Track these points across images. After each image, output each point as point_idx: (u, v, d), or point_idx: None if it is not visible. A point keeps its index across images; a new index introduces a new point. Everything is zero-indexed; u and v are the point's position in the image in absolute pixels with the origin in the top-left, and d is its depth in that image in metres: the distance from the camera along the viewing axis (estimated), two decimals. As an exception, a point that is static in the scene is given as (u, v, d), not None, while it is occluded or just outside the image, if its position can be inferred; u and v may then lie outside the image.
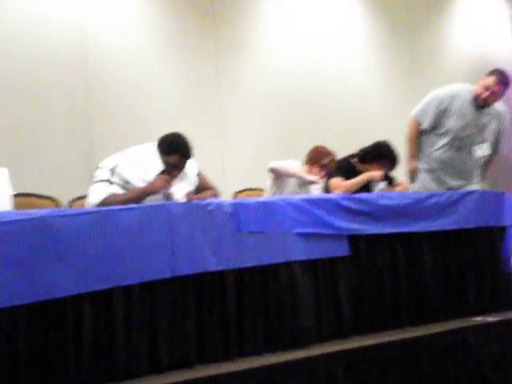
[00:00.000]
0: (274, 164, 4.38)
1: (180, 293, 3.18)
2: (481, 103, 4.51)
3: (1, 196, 3.03)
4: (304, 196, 4.05)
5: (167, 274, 3.14)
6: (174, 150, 3.40)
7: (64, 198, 4.02)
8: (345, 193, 4.07)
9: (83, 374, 2.88)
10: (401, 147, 4.38)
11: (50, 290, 2.80)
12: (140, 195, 3.32)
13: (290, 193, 4.40)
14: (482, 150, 4.56)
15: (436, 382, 3.65)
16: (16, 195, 3.40)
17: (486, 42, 7.75)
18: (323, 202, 3.75)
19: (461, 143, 4.52)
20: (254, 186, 4.85)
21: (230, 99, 5.94)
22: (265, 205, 3.57)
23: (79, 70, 5.15)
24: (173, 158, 3.40)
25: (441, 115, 4.52)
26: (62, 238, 2.87)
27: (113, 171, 3.37)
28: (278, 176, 4.45)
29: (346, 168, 4.34)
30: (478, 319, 4.02)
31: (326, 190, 4.41)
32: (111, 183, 3.37)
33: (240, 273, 3.38)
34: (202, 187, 3.67)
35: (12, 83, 4.84)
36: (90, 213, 3.06)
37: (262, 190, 4.73)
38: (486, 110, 4.56)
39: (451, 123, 4.50)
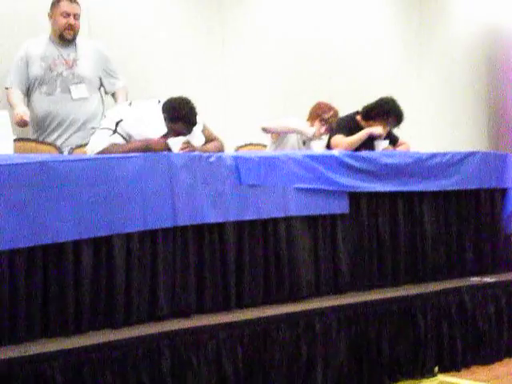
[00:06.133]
0: (266, 124, 4.35)
1: (180, 243, 3.20)
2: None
3: (2, 139, 3.01)
4: (306, 152, 4.04)
5: (167, 224, 3.15)
6: (179, 118, 3.36)
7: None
8: (346, 149, 4.05)
9: (82, 319, 2.90)
10: (406, 106, 4.34)
11: (50, 235, 2.81)
12: (139, 150, 3.29)
13: (292, 149, 4.39)
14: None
15: (430, 340, 3.69)
16: (16, 140, 3.38)
17: (499, 10, 7.60)
18: (325, 159, 3.75)
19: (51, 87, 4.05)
20: (256, 142, 4.82)
21: (234, 53, 5.87)
22: (266, 159, 3.57)
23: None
24: (177, 126, 3.38)
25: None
26: (63, 184, 2.86)
27: (118, 124, 3.36)
28: (276, 134, 4.43)
29: (350, 125, 4.31)
30: (476, 279, 4.05)
31: (328, 147, 4.39)
32: (114, 133, 3.35)
33: (240, 226, 3.39)
34: (207, 140, 3.64)
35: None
36: (91, 159, 3.05)
37: (264, 145, 4.71)
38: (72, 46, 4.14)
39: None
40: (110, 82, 4.28)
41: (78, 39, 4.16)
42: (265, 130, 4.36)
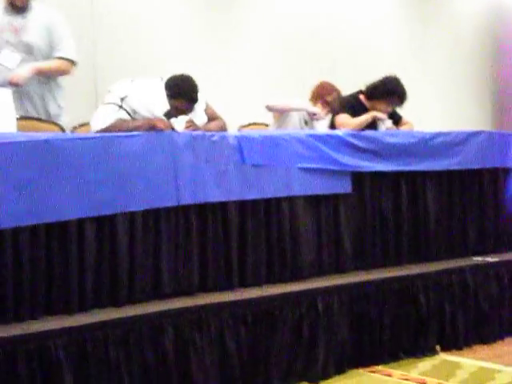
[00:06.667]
0: (271, 102, 4.34)
1: (183, 222, 3.20)
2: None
3: (5, 118, 3.00)
4: (309, 132, 4.03)
5: (171, 203, 3.15)
6: (180, 94, 3.36)
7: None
8: (352, 130, 4.03)
9: (85, 297, 2.92)
10: (410, 85, 4.31)
11: (53, 213, 2.81)
12: (145, 127, 3.28)
13: (294, 129, 4.37)
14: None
15: (432, 319, 3.71)
16: (19, 118, 3.37)
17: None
18: (329, 138, 3.74)
19: None
20: (259, 121, 4.80)
21: (238, 33, 5.84)
22: (269, 138, 3.56)
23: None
24: (179, 102, 3.37)
25: None
26: (67, 162, 2.86)
27: (123, 100, 3.35)
28: (280, 113, 4.42)
29: (353, 105, 4.28)
30: (478, 259, 4.06)
31: (332, 126, 4.38)
32: (120, 108, 3.34)
33: (243, 205, 3.39)
34: (210, 119, 3.63)
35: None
36: (94, 138, 3.05)
37: (267, 124, 4.70)
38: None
39: None
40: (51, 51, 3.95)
41: (34, 6, 3.94)
42: (270, 108, 4.35)
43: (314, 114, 4.30)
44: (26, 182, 2.75)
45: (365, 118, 4.15)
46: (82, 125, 3.91)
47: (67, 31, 4.00)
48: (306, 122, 4.52)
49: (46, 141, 2.84)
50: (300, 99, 4.43)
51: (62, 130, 3.78)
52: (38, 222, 2.78)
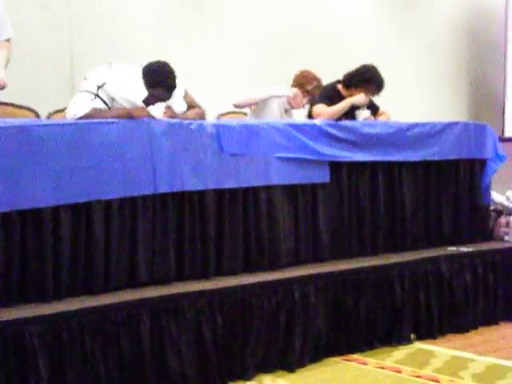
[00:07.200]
0: (236, 101, 4.36)
1: (160, 210, 3.18)
2: None
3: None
4: (287, 121, 4.03)
5: (147, 191, 3.13)
6: (158, 83, 3.32)
7: (43, 110, 3.93)
8: (328, 119, 4.04)
9: (61, 285, 2.90)
10: (387, 74, 4.32)
11: (28, 200, 2.78)
12: (121, 116, 3.24)
13: (272, 118, 4.37)
14: None
15: (407, 308, 3.74)
16: (-6, 104, 3.33)
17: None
18: (306, 128, 3.75)
19: None
20: (238, 110, 4.78)
21: (216, 19, 5.80)
22: (248, 127, 3.56)
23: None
24: (157, 91, 3.33)
25: None
26: (42, 148, 2.83)
27: (100, 87, 3.30)
28: (255, 104, 4.43)
29: (331, 94, 4.29)
30: (453, 249, 4.10)
31: (310, 116, 4.38)
32: (96, 97, 3.29)
33: (220, 194, 3.39)
34: (188, 106, 3.61)
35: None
36: (71, 125, 3.02)
37: (245, 113, 4.69)
38: None
39: None
40: None
41: None
42: (237, 106, 4.39)
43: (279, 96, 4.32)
44: (0, 169, 2.71)
45: (342, 105, 4.16)
46: (57, 111, 3.86)
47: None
48: (286, 111, 4.53)
49: (21, 127, 2.80)
50: (274, 86, 4.43)
51: (37, 115, 3.73)
52: (11, 209, 2.74)
